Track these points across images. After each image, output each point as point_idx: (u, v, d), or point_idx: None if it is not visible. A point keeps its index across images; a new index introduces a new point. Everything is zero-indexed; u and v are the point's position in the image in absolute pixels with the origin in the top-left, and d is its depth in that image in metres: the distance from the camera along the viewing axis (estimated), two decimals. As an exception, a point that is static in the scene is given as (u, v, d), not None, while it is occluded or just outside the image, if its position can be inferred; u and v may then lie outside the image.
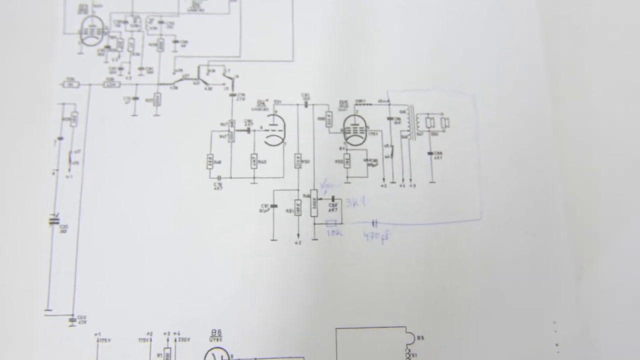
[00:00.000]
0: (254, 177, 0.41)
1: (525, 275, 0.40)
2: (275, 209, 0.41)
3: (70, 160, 0.41)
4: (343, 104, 0.43)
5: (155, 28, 0.44)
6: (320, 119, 0.42)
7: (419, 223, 0.41)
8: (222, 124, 0.42)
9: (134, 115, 0.42)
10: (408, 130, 0.42)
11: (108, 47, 0.43)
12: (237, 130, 0.42)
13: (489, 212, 0.41)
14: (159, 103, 0.42)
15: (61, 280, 0.39)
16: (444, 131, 0.42)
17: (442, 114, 0.43)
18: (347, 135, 0.42)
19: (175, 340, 0.38)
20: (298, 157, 0.42)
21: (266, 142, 0.42)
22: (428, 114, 0.43)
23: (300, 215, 0.41)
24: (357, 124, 0.42)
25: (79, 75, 0.42)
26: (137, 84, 0.42)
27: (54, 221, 0.40)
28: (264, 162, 0.41)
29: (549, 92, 0.43)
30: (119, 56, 0.43)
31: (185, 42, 0.43)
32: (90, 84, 0.42)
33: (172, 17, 0.44)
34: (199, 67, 0.43)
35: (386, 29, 0.44)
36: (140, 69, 0.43)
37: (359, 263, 0.40)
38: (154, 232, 0.40)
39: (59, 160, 0.41)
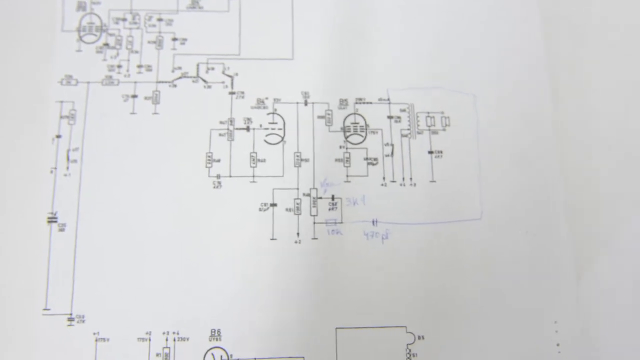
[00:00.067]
0: (253, 176, 0.41)
1: (525, 275, 0.40)
2: (275, 207, 0.40)
3: (68, 159, 0.40)
4: (343, 103, 0.42)
5: (154, 25, 0.43)
6: (320, 117, 0.42)
7: (419, 222, 0.41)
8: (221, 122, 0.42)
9: (133, 113, 0.42)
10: (408, 129, 0.42)
11: (107, 44, 0.43)
12: (237, 129, 0.42)
13: (489, 212, 0.41)
14: (157, 101, 0.42)
15: (59, 279, 0.39)
16: (444, 130, 0.42)
17: (442, 112, 0.43)
18: (347, 133, 0.42)
19: (175, 340, 0.38)
20: (298, 156, 0.41)
21: (266, 141, 0.42)
22: (428, 112, 0.43)
23: (300, 214, 0.40)
24: (357, 123, 0.42)
25: (77, 72, 0.42)
26: (135, 82, 0.42)
27: (52, 220, 0.40)
28: (264, 160, 0.41)
29: (549, 91, 0.43)
30: (118, 54, 0.43)
31: (185, 39, 0.43)
32: (88, 82, 0.42)
33: (171, 14, 0.44)
34: (198, 65, 0.43)
35: (387, 27, 0.44)
36: (139, 66, 0.43)
37: (359, 262, 0.40)
38: (153, 231, 0.40)
39: (57, 158, 0.40)
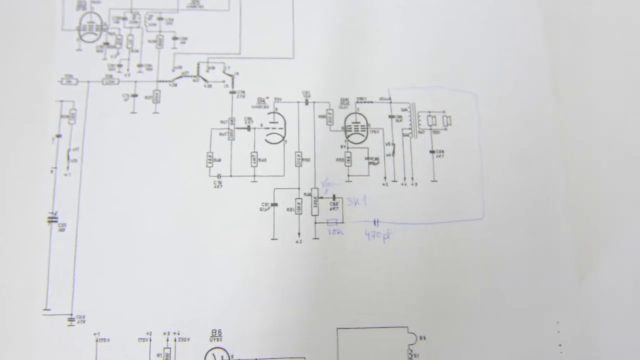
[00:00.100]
0: (254, 176, 0.41)
1: (527, 275, 0.40)
2: (276, 207, 0.40)
3: (68, 158, 0.40)
4: (344, 102, 0.42)
5: (154, 24, 0.43)
6: (321, 116, 0.42)
7: (420, 222, 0.40)
8: (222, 122, 0.42)
9: (133, 112, 0.41)
10: (409, 129, 0.42)
11: (107, 43, 0.43)
12: (237, 128, 0.42)
13: (491, 212, 0.41)
14: (158, 100, 0.42)
15: (60, 279, 0.39)
16: (445, 129, 0.42)
17: (444, 112, 0.42)
18: (348, 133, 0.42)
19: (175, 340, 0.38)
20: (299, 155, 0.41)
21: (266, 140, 0.42)
22: (430, 112, 0.42)
23: (301, 214, 0.40)
24: (358, 122, 0.42)
25: (77, 72, 0.42)
26: (136, 81, 0.42)
27: (52, 220, 0.39)
28: (264, 160, 0.41)
29: (550, 90, 0.43)
30: (118, 53, 0.43)
31: (185, 38, 0.43)
32: (88, 81, 0.42)
33: (172, 13, 0.43)
34: (198, 64, 0.43)
35: (388, 26, 0.44)
36: (140, 65, 0.42)
37: (360, 262, 0.40)
38: (154, 230, 0.39)
39: (57, 158, 0.40)
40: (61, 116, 0.41)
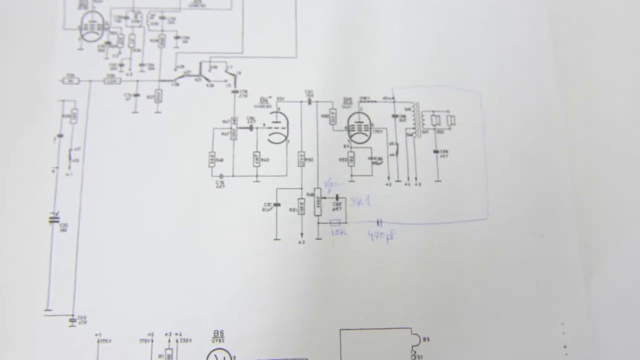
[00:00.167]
0: (256, 176, 0.41)
1: (532, 276, 0.40)
2: (278, 207, 0.40)
3: (70, 158, 0.40)
4: (347, 101, 0.42)
5: (156, 24, 0.43)
6: (324, 116, 0.42)
7: (424, 222, 0.40)
8: (224, 122, 0.41)
9: (135, 112, 0.41)
10: (413, 128, 0.42)
11: (108, 43, 0.42)
12: (240, 128, 0.41)
13: (496, 212, 0.41)
14: (160, 100, 0.42)
15: (61, 279, 0.38)
16: (449, 129, 0.42)
17: (448, 111, 0.42)
18: (352, 132, 0.42)
19: (177, 341, 0.38)
20: (301, 155, 0.41)
21: (269, 140, 0.41)
22: (434, 111, 0.42)
23: (304, 214, 0.40)
24: (362, 122, 0.42)
25: (79, 71, 0.42)
26: (138, 81, 0.42)
27: (53, 220, 0.39)
28: (267, 160, 0.41)
29: (556, 89, 0.43)
30: (120, 52, 0.42)
31: (187, 38, 0.43)
32: (90, 81, 0.42)
33: (174, 12, 0.43)
34: (200, 64, 0.42)
35: (391, 26, 0.43)
36: (141, 65, 0.42)
37: (364, 263, 0.39)
38: (155, 231, 0.39)
39: (58, 157, 0.40)
40: (63, 116, 0.41)
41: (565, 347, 0.39)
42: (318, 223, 0.40)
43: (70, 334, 0.38)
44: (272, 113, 0.42)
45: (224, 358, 0.38)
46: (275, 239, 0.40)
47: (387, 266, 0.39)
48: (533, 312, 0.39)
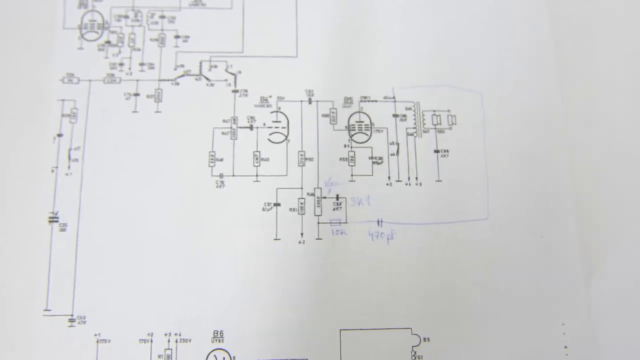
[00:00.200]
0: (256, 175, 0.40)
1: (532, 276, 0.40)
2: (279, 207, 0.40)
3: (69, 158, 0.40)
4: (348, 101, 0.42)
5: (156, 23, 0.43)
6: (324, 115, 0.42)
7: (424, 222, 0.40)
8: (224, 121, 0.41)
9: (135, 111, 0.41)
10: (414, 128, 0.42)
11: (108, 42, 0.42)
12: (240, 127, 0.41)
13: (496, 212, 0.40)
14: (160, 99, 0.41)
15: (60, 279, 0.38)
16: (450, 129, 0.42)
17: (448, 111, 0.42)
18: (352, 132, 0.41)
19: (177, 342, 0.38)
20: (302, 155, 0.41)
21: (269, 140, 0.41)
22: (434, 111, 0.42)
23: (304, 214, 0.40)
24: (362, 121, 0.42)
25: (78, 71, 0.42)
26: (138, 80, 0.42)
27: (53, 219, 0.39)
28: (267, 159, 0.41)
29: (556, 89, 0.43)
30: (120, 51, 0.42)
31: (187, 37, 0.43)
32: (90, 80, 0.42)
33: (174, 11, 0.43)
34: (200, 63, 0.42)
35: (393, 25, 0.43)
36: (141, 64, 0.42)
37: (364, 263, 0.39)
38: (155, 231, 0.39)
39: (58, 157, 0.40)
40: (62, 115, 0.41)
41: (565, 347, 0.39)
42: (318, 223, 0.40)
43: (70, 334, 0.38)
44: (272, 112, 0.42)
45: (224, 358, 0.38)
46: (275, 239, 0.39)
47: (387, 266, 0.39)
48: (533, 313, 0.39)
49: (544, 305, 0.39)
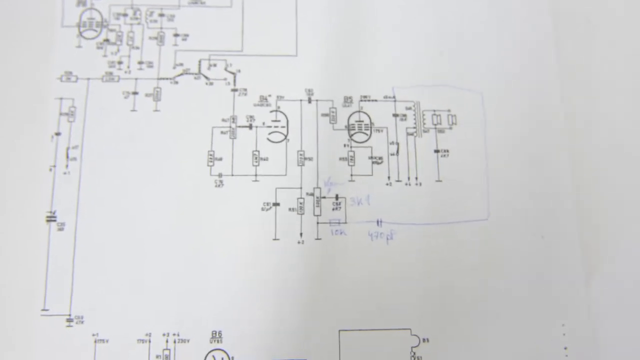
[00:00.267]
0: (255, 175, 0.40)
1: (533, 277, 0.39)
2: (278, 207, 0.40)
3: (67, 157, 0.40)
4: (347, 100, 0.42)
5: (155, 21, 0.43)
6: (324, 115, 0.41)
7: (424, 223, 0.40)
8: (223, 120, 0.41)
9: (134, 110, 0.41)
10: (414, 128, 0.41)
11: (107, 40, 0.42)
12: (239, 127, 0.41)
13: (496, 212, 0.40)
14: (159, 98, 0.41)
15: (58, 279, 0.38)
16: (450, 129, 0.42)
17: (449, 110, 0.42)
18: (352, 132, 0.41)
19: (175, 342, 0.38)
20: (301, 155, 0.41)
21: (268, 139, 0.41)
22: (434, 111, 0.42)
23: (303, 214, 0.40)
24: (362, 121, 0.41)
25: (77, 69, 0.41)
26: (136, 79, 0.42)
27: (51, 219, 0.39)
28: (266, 159, 0.41)
29: (558, 88, 0.43)
30: (118, 50, 0.42)
31: (186, 35, 0.43)
32: (88, 78, 0.41)
33: (173, 9, 0.43)
34: (200, 62, 0.42)
35: (392, 24, 0.43)
36: (140, 63, 0.42)
37: (363, 263, 0.39)
38: (154, 230, 0.39)
39: (56, 156, 0.40)
40: (60, 114, 0.41)
41: (565, 348, 0.39)
42: (317, 223, 0.40)
43: (68, 334, 0.38)
44: (271, 112, 0.41)
45: (222, 358, 0.38)
46: (275, 239, 0.39)
47: (386, 266, 0.39)
48: (533, 313, 0.39)
49: (544, 306, 0.39)
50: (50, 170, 0.40)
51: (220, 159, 0.40)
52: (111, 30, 0.42)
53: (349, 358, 0.38)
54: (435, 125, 0.42)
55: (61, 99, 0.41)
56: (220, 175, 0.40)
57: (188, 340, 0.38)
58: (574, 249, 0.40)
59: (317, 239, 0.39)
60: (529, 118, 0.42)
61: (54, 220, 0.39)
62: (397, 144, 0.41)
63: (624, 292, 0.40)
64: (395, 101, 0.42)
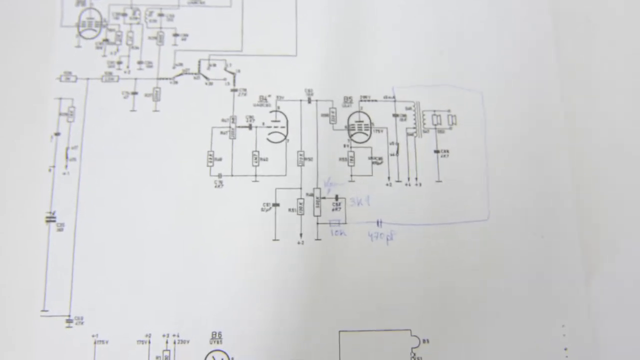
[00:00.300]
0: (255, 175, 0.40)
1: (533, 278, 0.39)
2: (278, 208, 0.40)
3: (67, 157, 0.40)
4: (347, 100, 0.42)
5: (154, 21, 0.43)
6: (323, 115, 0.41)
7: (424, 223, 0.40)
8: (223, 120, 0.41)
9: (133, 110, 0.41)
10: (414, 128, 0.41)
11: (106, 40, 0.42)
12: (239, 127, 0.41)
13: (497, 213, 0.40)
14: (158, 98, 0.41)
15: (58, 280, 0.38)
16: (450, 129, 0.41)
17: (449, 111, 0.42)
18: (352, 132, 0.41)
19: (175, 343, 0.38)
20: (301, 155, 0.41)
21: (268, 139, 0.41)
22: (435, 111, 0.42)
23: (303, 214, 0.40)
24: (362, 121, 0.41)
25: (76, 69, 0.41)
26: (136, 79, 0.41)
27: (50, 219, 0.39)
28: (266, 159, 0.41)
29: (558, 89, 0.42)
30: (118, 50, 0.42)
31: (186, 35, 0.42)
32: (88, 78, 0.41)
33: (172, 9, 0.43)
34: (199, 62, 0.42)
35: (392, 24, 0.43)
36: (140, 63, 0.42)
37: (363, 264, 0.39)
38: (153, 231, 0.39)
39: (55, 156, 0.40)
40: (60, 114, 0.40)
41: (565, 349, 0.39)
42: (317, 223, 0.40)
43: (67, 335, 0.37)
44: (271, 112, 0.41)
45: (222, 359, 0.38)
46: (274, 240, 0.39)
47: (386, 267, 0.39)
48: (533, 314, 0.39)
49: (544, 307, 0.39)
50: (50, 170, 0.40)
51: (220, 159, 0.40)
52: (110, 30, 0.42)
53: (349, 359, 0.38)
54: (435, 125, 0.41)
55: (60, 99, 0.41)
56: (219, 175, 0.40)
57: (188, 341, 0.38)
58: (574, 249, 0.40)
59: (317, 239, 0.39)
60: (529, 118, 0.42)
61: (54, 221, 0.39)
62: (397, 144, 0.41)
63: (624, 292, 0.40)
64: (395, 101, 0.42)
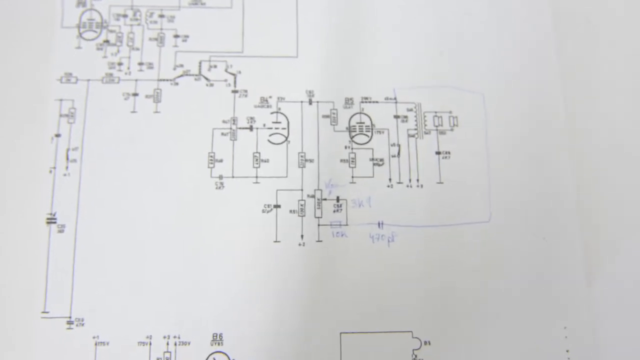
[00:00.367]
0: (256, 177, 0.40)
1: (534, 279, 0.39)
2: (279, 209, 0.40)
3: (67, 158, 0.40)
4: (348, 102, 0.42)
5: (155, 22, 0.43)
6: (325, 116, 0.41)
7: (426, 225, 0.40)
8: (224, 122, 0.41)
9: (134, 112, 0.41)
10: (415, 129, 0.41)
11: (107, 41, 0.42)
12: (240, 128, 0.41)
13: (498, 214, 0.40)
14: (159, 99, 0.41)
15: (58, 281, 0.38)
16: (452, 130, 0.41)
17: (450, 112, 0.42)
18: (353, 133, 0.41)
19: (176, 344, 0.38)
20: (302, 156, 0.41)
21: (269, 141, 0.41)
22: (436, 112, 0.42)
23: (304, 216, 0.40)
24: (363, 122, 0.41)
25: (77, 70, 0.41)
26: (136, 80, 0.41)
27: (51, 221, 0.39)
28: (267, 161, 0.41)
29: (559, 90, 0.42)
30: (118, 51, 0.42)
31: (187, 36, 0.42)
32: (88, 80, 0.41)
33: (173, 10, 0.43)
34: (200, 63, 0.42)
35: (393, 25, 0.43)
36: (140, 64, 0.42)
37: (364, 266, 0.39)
38: (154, 232, 0.39)
39: (56, 157, 0.40)
40: (60, 115, 0.40)
41: (567, 351, 0.39)
42: (318, 225, 0.40)
43: (68, 337, 0.37)
44: (272, 113, 0.41)
45: (223, 361, 0.38)
46: (275, 241, 0.39)
47: (388, 269, 0.39)
48: (535, 316, 0.39)
49: (545, 308, 0.39)
50: (50, 171, 0.40)
51: (221, 161, 0.40)
52: (111, 31, 0.42)
53: (350, 360, 0.38)
54: (436, 126, 0.41)
55: (61, 100, 0.41)
56: (220, 177, 0.40)
57: (189, 343, 0.38)
58: (575, 250, 0.40)
59: (318, 241, 0.39)
60: (530, 118, 0.42)
61: (54, 222, 0.39)
62: (399, 145, 0.41)
63: (625, 294, 0.40)
64: (396, 102, 0.42)
